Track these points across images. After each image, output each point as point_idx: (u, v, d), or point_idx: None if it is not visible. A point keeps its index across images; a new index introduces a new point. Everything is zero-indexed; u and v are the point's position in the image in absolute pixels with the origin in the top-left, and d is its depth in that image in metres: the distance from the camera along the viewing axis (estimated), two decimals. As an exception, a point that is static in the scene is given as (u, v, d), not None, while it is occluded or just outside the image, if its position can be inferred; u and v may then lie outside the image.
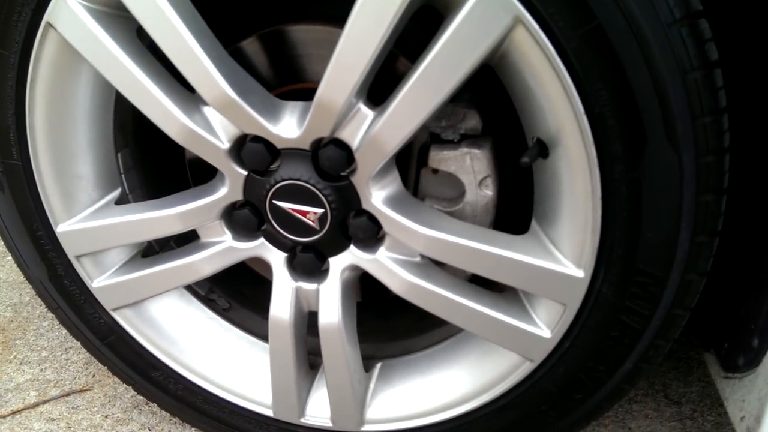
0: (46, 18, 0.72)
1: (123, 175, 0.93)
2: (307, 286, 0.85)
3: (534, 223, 0.74)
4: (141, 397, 1.14)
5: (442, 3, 0.63)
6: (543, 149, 0.67)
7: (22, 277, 1.29)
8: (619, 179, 0.61)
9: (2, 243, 0.99)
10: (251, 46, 0.84)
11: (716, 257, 0.67)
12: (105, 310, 0.95)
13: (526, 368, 0.79)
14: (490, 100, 0.76)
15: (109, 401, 1.18)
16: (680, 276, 0.66)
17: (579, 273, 0.69)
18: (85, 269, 0.92)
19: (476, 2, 0.57)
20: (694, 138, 0.58)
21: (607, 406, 0.80)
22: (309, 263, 0.82)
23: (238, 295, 1.06)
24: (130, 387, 1.05)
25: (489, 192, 0.79)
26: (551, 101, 0.62)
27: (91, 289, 0.94)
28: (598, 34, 0.55)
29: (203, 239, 0.87)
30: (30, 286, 1.00)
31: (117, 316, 0.96)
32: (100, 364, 1.05)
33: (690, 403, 1.10)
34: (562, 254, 0.70)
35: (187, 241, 0.91)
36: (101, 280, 0.93)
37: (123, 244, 0.92)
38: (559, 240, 0.70)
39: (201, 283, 1.02)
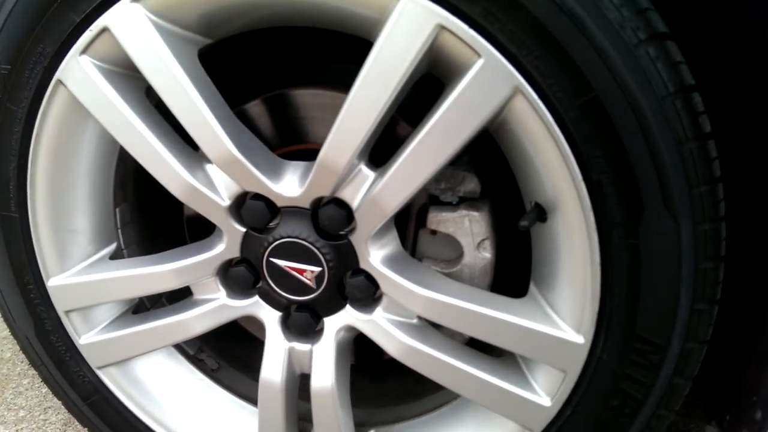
0: (57, 75, 0.74)
1: (120, 230, 0.92)
2: (301, 346, 0.83)
3: (532, 287, 0.74)
4: (120, 463, 1.08)
5: (443, 72, 0.66)
6: (541, 213, 0.68)
7: (2, 333, 1.26)
8: (618, 245, 0.62)
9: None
10: (256, 108, 0.86)
11: (717, 326, 0.66)
12: (90, 368, 0.92)
13: (524, 438, 0.77)
14: (488, 164, 0.78)
15: (86, 467, 1.12)
16: (680, 344, 0.65)
17: (579, 339, 0.68)
18: (73, 325, 0.90)
19: (477, 72, 0.59)
20: (690, 206, 0.59)
21: (609, 480, 0.77)
22: (304, 323, 0.81)
23: (228, 355, 1.03)
24: (110, 452, 1.00)
25: (487, 254, 0.79)
26: (549, 167, 0.63)
27: (78, 346, 0.91)
28: (595, 104, 0.57)
29: (197, 296, 0.85)
30: (12, 342, 0.97)
31: (102, 375, 0.93)
32: (79, 426, 1.01)
33: (693, 478, 1.06)
34: (562, 319, 0.70)
35: (179, 298, 0.90)
36: (89, 336, 0.90)
37: (115, 300, 0.90)
38: (558, 304, 0.70)
39: (190, 341, 1.00)
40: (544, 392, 0.74)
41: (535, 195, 0.68)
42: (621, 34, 0.54)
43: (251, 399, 0.97)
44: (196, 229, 1.01)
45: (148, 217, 0.99)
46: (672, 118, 0.56)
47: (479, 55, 0.59)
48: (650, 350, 0.66)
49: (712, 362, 0.82)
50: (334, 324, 0.81)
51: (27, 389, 1.31)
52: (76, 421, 1.00)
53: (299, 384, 0.87)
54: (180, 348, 0.99)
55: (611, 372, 0.68)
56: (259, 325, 0.85)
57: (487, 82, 0.60)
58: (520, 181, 0.71)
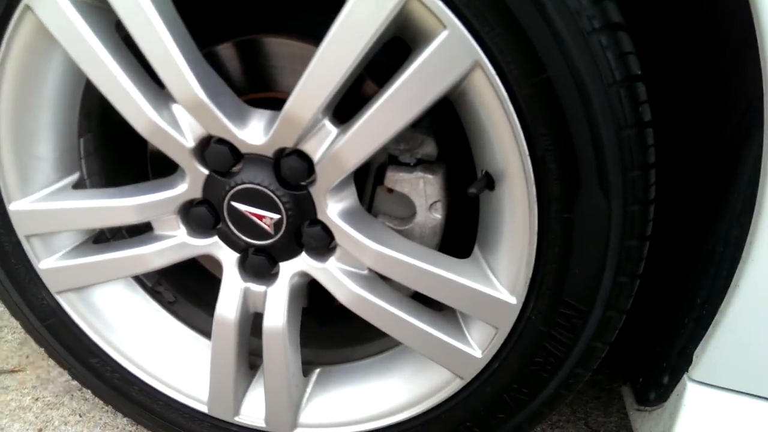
0: (25, 1, 0.73)
1: (83, 160, 0.93)
2: (256, 287, 0.87)
3: (476, 249, 0.79)
4: (74, 383, 1.13)
5: (411, 37, 0.68)
6: (490, 182, 0.72)
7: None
8: (554, 218, 0.67)
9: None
10: (226, 51, 0.87)
11: (638, 298, 0.73)
12: (49, 292, 0.95)
13: (456, 385, 0.84)
14: (446, 130, 0.81)
15: (41, 384, 1.16)
16: (602, 312, 0.72)
17: (512, 300, 0.74)
18: (33, 249, 0.91)
19: (442, 43, 0.62)
20: (623, 188, 0.64)
21: (528, 428, 0.85)
22: (260, 266, 0.85)
23: (185, 289, 1.07)
24: (65, 371, 1.04)
25: (438, 215, 0.84)
26: (500, 140, 0.67)
27: (37, 270, 0.93)
28: (547, 85, 0.61)
29: (157, 232, 0.88)
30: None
31: (60, 299, 0.95)
32: (35, 346, 1.04)
33: (607, 432, 1.17)
34: (499, 281, 0.75)
35: (138, 231, 0.92)
36: (49, 261, 0.92)
37: (75, 229, 0.92)
38: (497, 267, 0.75)
39: (149, 274, 1.02)
40: (477, 345, 0.80)
41: (485, 164, 0.72)
42: (577, 20, 0.57)
43: (205, 333, 1.01)
44: (159, 165, 1.02)
45: (112, 149, 0.99)
46: (615, 105, 0.60)
47: (445, 27, 0.61)
48: (574, 315, 0.72)
49: (632, 332, 0.90)
50: (289, 269, 0.85)
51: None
52: (32, 340, 1.02)
53: (252, 321, 0.92)
54: (138, 279, 1.02)
55: (538, 331, 0.75)
56: (217, 264, 0.88)
57: (450, 53, 0.62)
58: (474, 149, 0.74)
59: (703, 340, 0.72)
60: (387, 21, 0.62)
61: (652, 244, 0.71)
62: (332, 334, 1.04)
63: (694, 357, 0.74)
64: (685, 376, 0.76)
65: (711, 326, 0.70)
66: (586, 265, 0.69)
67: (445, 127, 0.81)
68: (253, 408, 0.96)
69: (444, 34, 0.62)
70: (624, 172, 0.63)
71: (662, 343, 0.87)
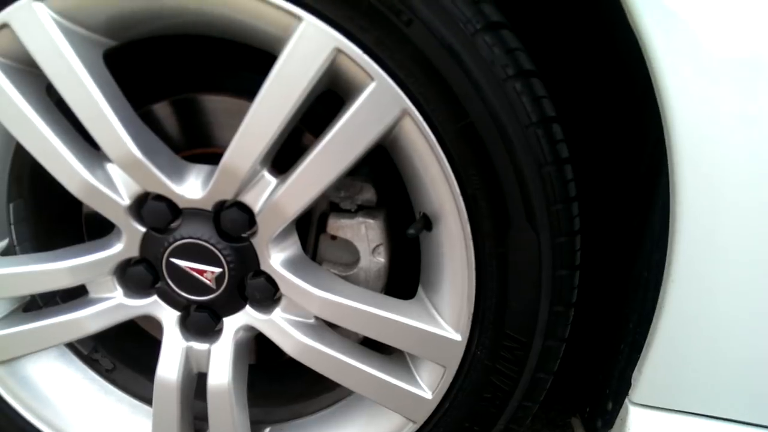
0: (-50, 66, 0.72)
1: (13, 226, 0.90)
2: (199, 346, 0.85)
3: (420, 290, 0.81)
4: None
5: (342, 89, 0.71)
6: (428, 223, 0.75)
7: None
8: (490, 253, 0.70)
9: None
10: (162, 109, 0.88)
11: (580, 326, 0.76)
12: (-26, 368, 0.89)
13: (409, 429, 0.83)
14: (384, 176, 0.84)
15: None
16: (542, 342, 0.74)
17: (457, 336, 0.76)
18: (-44, 323, 0.86)
19: (371, 93, 0.65)
20: (548, 221, 0.68)
21: (483, 466, 0.85)
22: (203, 322, 0.83)
23: (123, 355, 1.02)
24: (-8, 456, 0.96)
25: (381, 259, 0.86)
26: (434, 182, 0.70)
27: (-40, 345, 0.87)
28: (470, 129, 0.65)
29: (92, 295, 0.85)
30: None
31: (-13, 375, 0.90)
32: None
33: (563, 467, 1.18)
34: (443, 319, 0.77)
35: (72, 296, 0.88)
36: (-26, 334, 0.87)
37: (5, 297, 0.87)
38: (440, 306, 0.77)
39: (84, 341, 0.98)
40: (427, 386, 0.81)
41: (422, 206, 0.75)
42: (492, 69, 0.62)
43: (147, 399, 0.97)
44: (94, 227, 0.99)
45: (45, 213, 0.96)
46: (534, 144, 0.65)
47: (372, 78, 0.65)
48: (516, 347, 0.75)
49: (576, 362, 0.92)
50: (234, 324, 0.83)
51: None
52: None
53: (195, 383, 0.89)
54: (73, 347, 0.97)
55: (484, 366, 0.76)
56: (157, 325, 0.86)
57: (379, 102, 0.66)
58: (411, 192, 0.77)
59: (638, 362, 0.76)
60: (317, 75, 0.66)
61: (586, 272, 0.75)
62: (282, 390, 1.01)
63: (632, 380, 0.77)
64: (626, 401, 0.79)
65: (644, 348, 0.74)
66: (523, 297, 0.72)
67: (383, 172, 0.84)
68: (201, 476, 0.92)
69: (372, 86, 0.65)
70: (548, 206, 0.67)
71: (603, 369, 0.90)
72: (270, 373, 1.03)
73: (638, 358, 0.76)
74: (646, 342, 0.74)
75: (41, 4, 0.68)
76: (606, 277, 0.92)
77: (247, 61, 0.86)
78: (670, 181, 0.65)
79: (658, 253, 0.72)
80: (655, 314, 0.72)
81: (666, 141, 0.63)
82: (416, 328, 0.76)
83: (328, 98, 0.74)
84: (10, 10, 0.68)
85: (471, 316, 0.74)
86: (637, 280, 0.81)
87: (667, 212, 0.67)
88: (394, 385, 0.81)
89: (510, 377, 0.76)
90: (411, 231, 0.74)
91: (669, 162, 0.64)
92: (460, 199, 0.69)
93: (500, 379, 0.76)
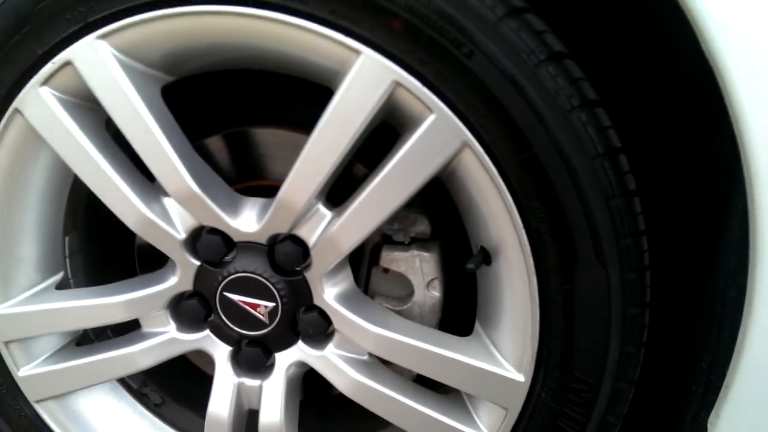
0: (14, 104, 0.74)
1: (68, 259, 0.91)
2: (250, 382, 0.83)
3: (478, 326, 0.78)
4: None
5: (398, 122, 0.70)
6: (486, 257, 0.72)
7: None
8: (555, 289, 0.67)
9: None
10: (217, 143, 0.88)
11: (646, 367, 0.71)
12: (28, 402, 0.89)
13: (468, 473, 0.79)
14: (439, 207, 0.82)
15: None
16: (611, 384, 0.70)
17: (520, 377, 0.72)
18: (12, 356, 0.87)
19: (429, 126, 0.64)
20: (618, 256, 0.64)
21: None
22: (255, 358, 0.82)
23: (173, 389, 1.02)
24: (42, 491, 0.96)
25: (436, 293, 0.83)
26: (494, 215, 0.68)
27: (15, 378, 0.88)
28: (534, 161, 0.62)
29: (145, 329, 0.85)
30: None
31: (40, 409, 0.89)
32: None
33: None
34: (504, 358, 0.73)
35: (124, 330, 0.88)
36: (29, 368, 0.87)
37: (59, 331, 0.88)
38: (500, 343, 0.74)
39: (135, 375, 0.97)
40: (487, 429, 0.77)
41: (480, 239, 0.73)
42: (556, 100, 0.60)
43: (195, 435, 0.96)
44: (147, 259, 1.00)
45: (98, 245, 0.97)
46: (601, 176, 0.62)
47: (431, 111, 0.63)
48: (584, 389, 0.70)
49: (644, 403, 0.87)
50: (286, 359, 0.82)
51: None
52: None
53: (246, 420, 0.87)
54: (123, 382, 0.96)
55: (549, 409, 0.72)
56: (208, 359, 0.85)
57: (438, 135, 0.64)
58: (468, 225, 0.75)
59: (716, 405, 0.70)
60: (375, 108, 0.65)
61: (652, 310, 0.71)
62: (329, 428, 0.99)
63: (708, 425, 0.72)
64: (703, 445, 0.73)
65: (722, 390, 0.69)
66: (592, 336, 0.68)
67: (437, 204, 0.82)
68: None
69: (431, 118, 0.64)
70: (618, 240, 0.64)
71: (673, 412, 0.84)
72: (318, 409, 1.01)
73: (715, 401, 0.71)
74: (724, 384, 0.69)
75: (103, 42, 0.69)
76: (670, 314, 0.87)
77: (299, 93, 0.86)
78: (750, 214, 0.61)
79: (735, 288, 0.67)
80: (735, 354, 0.67)
81: (744, 169, 0.59)
82: (474, 366, 0.73)
83: (379, 129, 0.73)
84: (73, 48, 0.70)
85: (535, 356, 0.70)
86: (708, 317, 0.76)
87: (743, 245, 0.62)
88: (451, 426, 0.77)
89: (578, 421, 0.72)
90: (470, 265, 0.71)
91: (747, 191, 0.60)
92: (523, 232, 0.66)
93: (567, 423, 0.72)
